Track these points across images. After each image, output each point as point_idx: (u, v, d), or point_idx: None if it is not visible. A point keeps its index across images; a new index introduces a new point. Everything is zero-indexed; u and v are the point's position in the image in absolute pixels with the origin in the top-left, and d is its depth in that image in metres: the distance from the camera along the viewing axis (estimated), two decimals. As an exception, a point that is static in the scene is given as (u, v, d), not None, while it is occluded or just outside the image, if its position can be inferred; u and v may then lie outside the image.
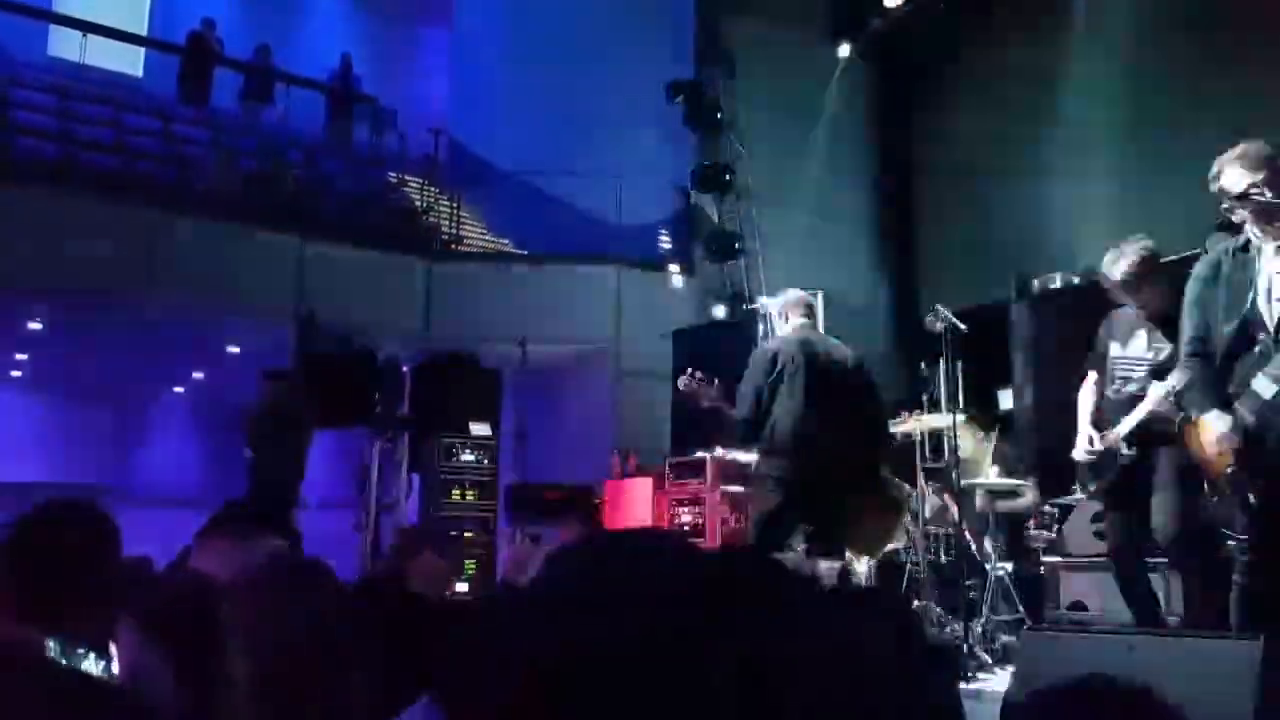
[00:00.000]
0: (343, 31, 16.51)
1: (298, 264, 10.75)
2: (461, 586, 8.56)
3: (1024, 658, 3.09)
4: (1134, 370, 4.39)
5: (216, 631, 1.51)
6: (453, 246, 12.68)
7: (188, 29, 13.99)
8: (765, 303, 6.20)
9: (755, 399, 5.11)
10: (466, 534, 9.23)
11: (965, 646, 4.77)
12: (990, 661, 4.89)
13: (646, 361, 11.17)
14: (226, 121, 13.45)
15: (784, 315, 5.48)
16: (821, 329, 5.62)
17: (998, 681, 4.35)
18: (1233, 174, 3.68)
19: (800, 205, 10.21)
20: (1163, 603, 4.73)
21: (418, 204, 13.54)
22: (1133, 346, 4.43)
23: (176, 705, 1.08)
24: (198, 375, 13.54)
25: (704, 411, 5.50)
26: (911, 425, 6.09)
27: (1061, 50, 9.45)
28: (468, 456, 10.11)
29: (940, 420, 6.02)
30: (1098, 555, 5.22)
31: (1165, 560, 4.61)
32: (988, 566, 5.67)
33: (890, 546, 6.19)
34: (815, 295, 5.72)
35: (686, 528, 8.06)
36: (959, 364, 6.50)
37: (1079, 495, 5.86)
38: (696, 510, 8.23)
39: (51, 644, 1.07)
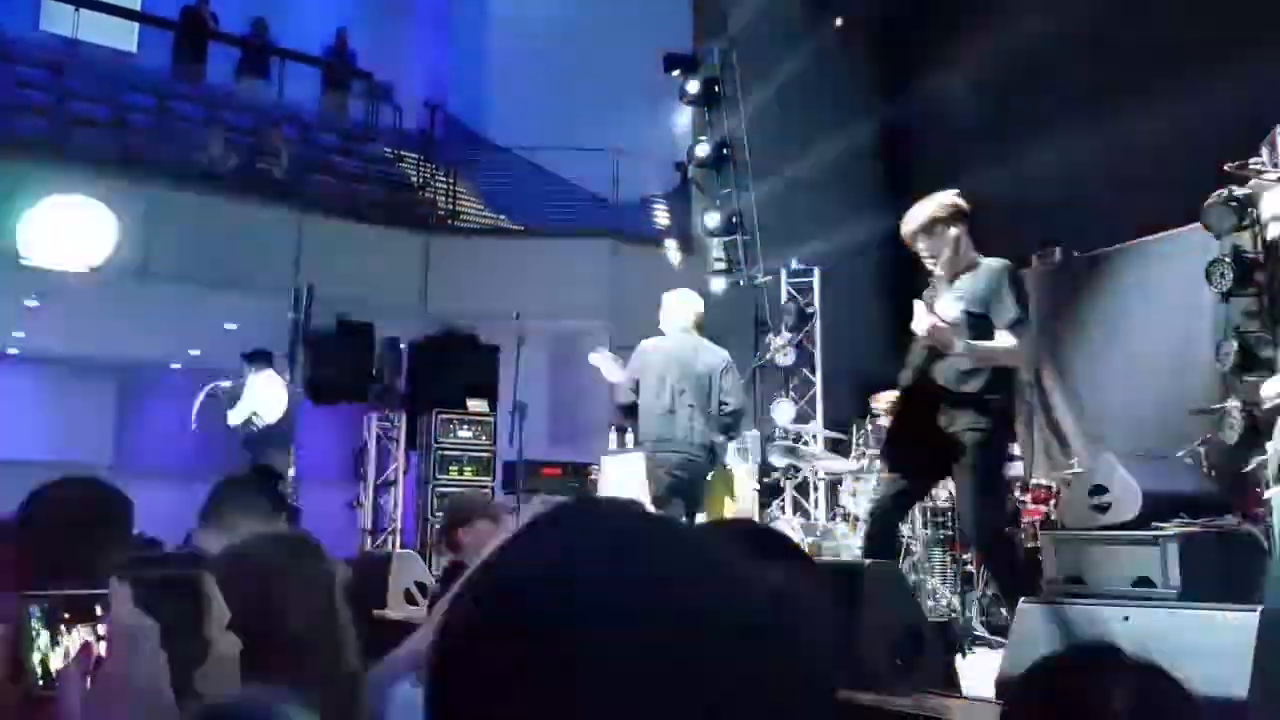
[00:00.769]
0: (338, 6, 16.39)
1: (294, 240, 10.72)
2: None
3: (1020, 629, 3.09)
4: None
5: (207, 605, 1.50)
6: (449, 222, 12.64)
7: (182, 3, 13.89)
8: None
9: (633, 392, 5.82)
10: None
11: (961, 619, 4.78)
12: (986, 634, 4.90)
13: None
14: (221, 97, 13.38)
15: (670, 316, 6.09)
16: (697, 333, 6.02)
17: (994, 654, 4.36)
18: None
19: (799, 179, 10.16)
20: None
21: (414, 179, 13.49)
22: (940, 307, 4.45)
23: (167, 676, 1.07)
24: (194, 352, 13.52)
25: None
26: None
27: (1062, 17, 9.39)
28: (465, 433, 10.12)
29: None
30: (1095, 528, 5.23)
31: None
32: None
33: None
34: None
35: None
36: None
37: (1077, 468, 5.86)
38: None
39: (35, 611, 1.06)
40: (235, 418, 9.04)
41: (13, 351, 13.19)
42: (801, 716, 0.64)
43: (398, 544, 10.12)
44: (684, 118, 11.94)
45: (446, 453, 10.01)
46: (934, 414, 4.20)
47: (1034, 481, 6.24)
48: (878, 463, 6.19)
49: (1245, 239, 5.40)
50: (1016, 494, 6.18)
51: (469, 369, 10.26)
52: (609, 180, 12.16)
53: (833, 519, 7.26)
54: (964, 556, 5.53)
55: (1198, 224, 5.50)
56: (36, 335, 12.55)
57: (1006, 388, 4.33)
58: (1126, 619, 2.78)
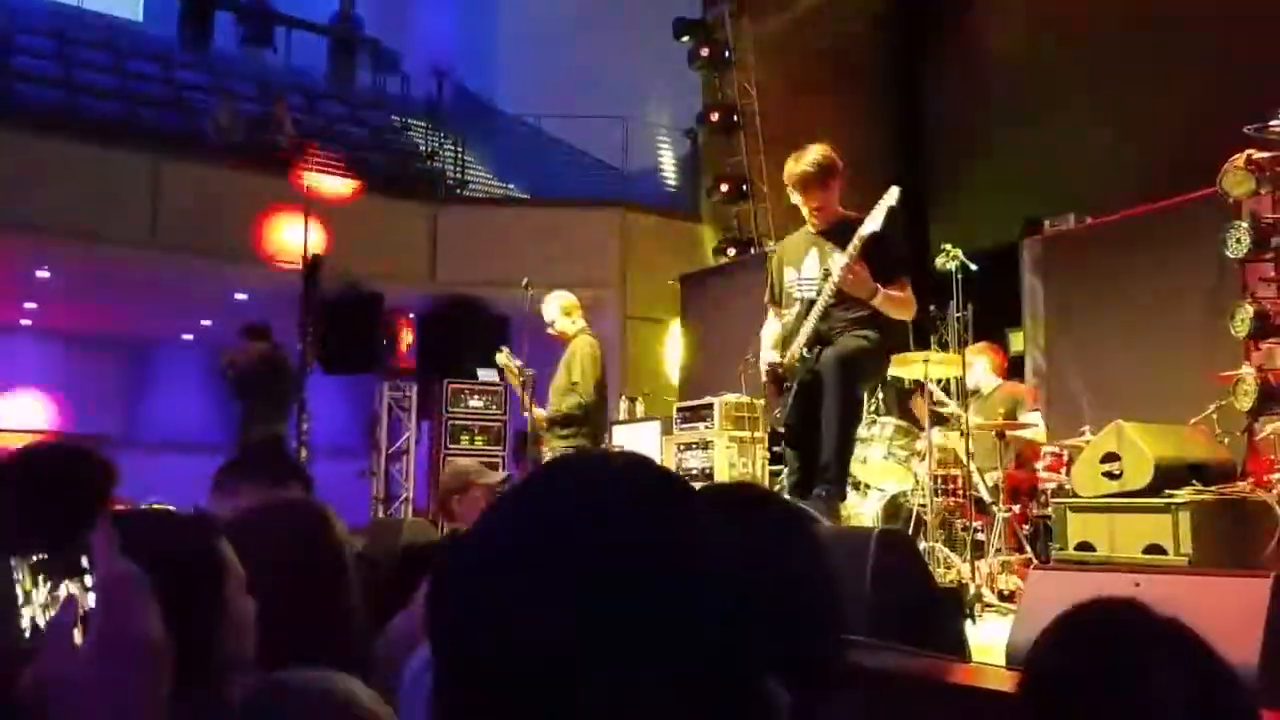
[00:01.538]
0: (345, -27, 16.30)
1: (302, 209, 10.69)
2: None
3: (1030, 596, 3.08)
4: (809, 290, 4.45)
5: (217, 568, 1.49)
6: (458, 191, 12.60)
7: (187, -29, 13.81)
8: (549, 298, 6.66)
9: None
10: (476, 479, 9.25)
11: (971, 587, 4.77)
12: (996, 602, 4.90)
13: (654, 305, 11.13)
14: (228, 66, 13.32)
15: (569, 314, 6.53)
16: None
17: (1004, 622, 4.35)
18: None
19: (808, 144, 10.09)
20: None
21: (422, 148, 13.44)
22: (806, 267, 4.48)
23: (159, 632, 1.05)
24: (206, 323, 13.55)
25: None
26: (918, 366, 6.04)
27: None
28: (476, 402, 10.12)
29: (949, 362, 5.99)
30: (1107, 496, 5.21)
31: None
32: (995, 508, 5.66)
33: (898, 488, 6.19)
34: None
35: (694, 472, 8.06)
36: (969, 305, 6.46)
37: (1088, 436, 5.83)
38: (704, 455, 8.22)
39: (14, 563, 1.05)
40: None
41: (25, 323, 13.23)
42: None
43: (409, 513, 10.16)
44: (695, 84, 11.85)
45: (457, 422, 10.01)
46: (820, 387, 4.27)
47: (1046, 449, 6.21)
48: (888, 429, 6.17)
49: (1262, 204, 5.34)
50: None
51: (479, 338, 10.25)
52: (618, 148, 12.09)
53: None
54: (975, 525, 5.52)
55: (1214, 189, 5.44)
56: (47, 307, 12.58)
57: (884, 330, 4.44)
58: (1138, 585, 2.76)
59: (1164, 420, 5.59)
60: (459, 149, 13.02)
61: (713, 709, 0.62)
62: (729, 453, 8.07)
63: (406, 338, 10.76)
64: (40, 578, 1.04)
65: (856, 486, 6.41)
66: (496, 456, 9.77)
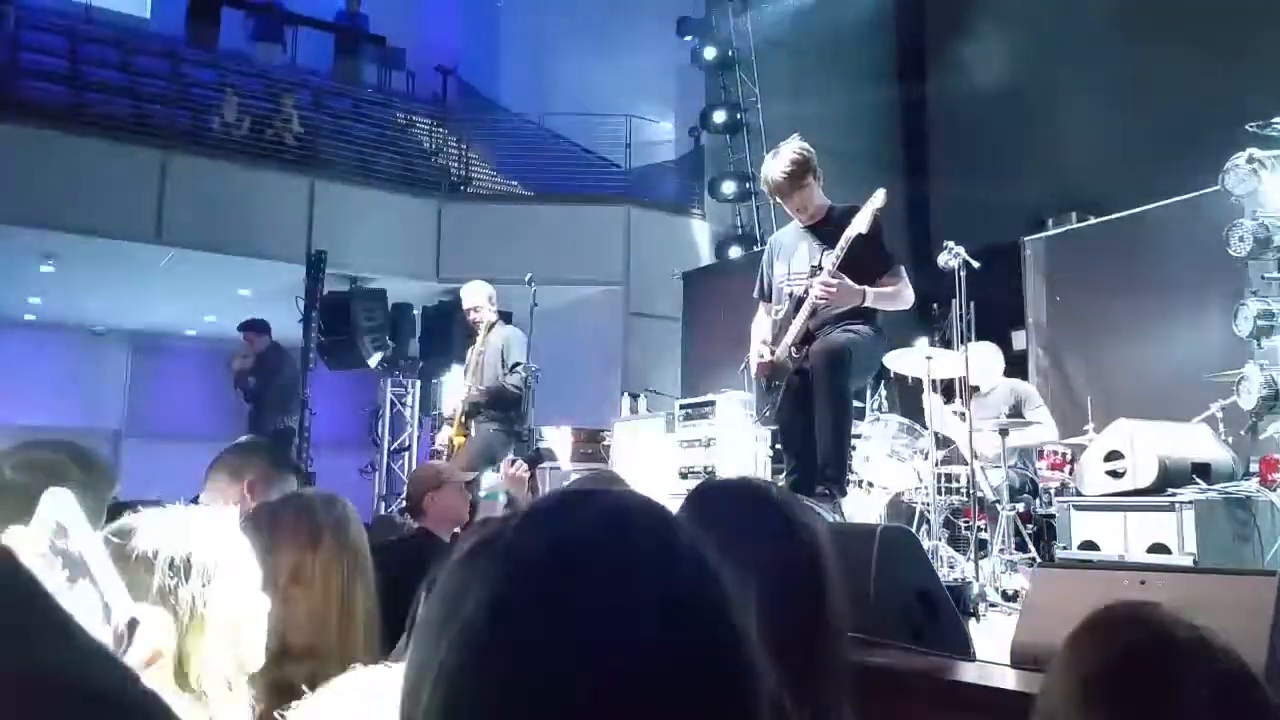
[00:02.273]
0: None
1: (307, 206, 10.71)
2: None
3: (1034, 595, 3.08)
4: (799, 285, 4.42)
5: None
6: (462, 188, 12.61)
7: (194, -32, 13.84)
8: (474, 285, 6.80)
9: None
10: (478, 475, 9.25)
11: (975, 586, 4.77)
12: (1000, 601, 4.89)
13: (657, 303, 11.14)
14: (235, 62, 13.33)
15: (491, 301, 6.71)
16: None
17: (1008, 621, 4.35)
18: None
19: (812, 143, 10.10)
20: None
21: (427, 145, 13.45)
22: (796, 262, 4.43)
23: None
24: (210, 318, 13.56)
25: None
26: (919, 362, 6.03)
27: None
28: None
29: (952, 359, 5.97)
30: (1111, 494, 5.21)
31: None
32: (999, 506, 5.66)
33: (901, 486, 6.18)
34: None
35: (696, 470, 8.05)
36: (972, 303, 6.45)
37: (1091, 435, 5.83)
38: (707, 452, 8.22)
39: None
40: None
41: (29, 317, 13.24)
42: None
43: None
44: (699, 82, 11.86)
45: (460, 418, 10.02)
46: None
47: (1049, 447, 6.21)
48: (891, 426, 6.17)
49: (1266, 202, 5.34)
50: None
51: (482, 335, 10.25)
52: (622, 145, 12.09)
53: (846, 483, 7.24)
54: (979, 524, 5.51)
55: (1217, 188, 5.44)
56: (51, 301, 12.60)
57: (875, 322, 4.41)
58: (1142, 584, 2.76)
59: (1168, 419, 5.59)
60: (463, 146, 13.03)
61: None
62: (731, 450, 8.07)
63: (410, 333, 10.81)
64: None
65: (860, 484, 6.41)
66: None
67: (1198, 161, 6.19)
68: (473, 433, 6.54)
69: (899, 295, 4.36)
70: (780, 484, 4.78)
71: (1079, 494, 5.49)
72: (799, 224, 4.55)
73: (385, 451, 11.05)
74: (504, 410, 6.56)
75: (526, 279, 7.27)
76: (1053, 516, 5.73)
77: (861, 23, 11.26)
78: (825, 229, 4.40)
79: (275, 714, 1.09)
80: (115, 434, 13.50)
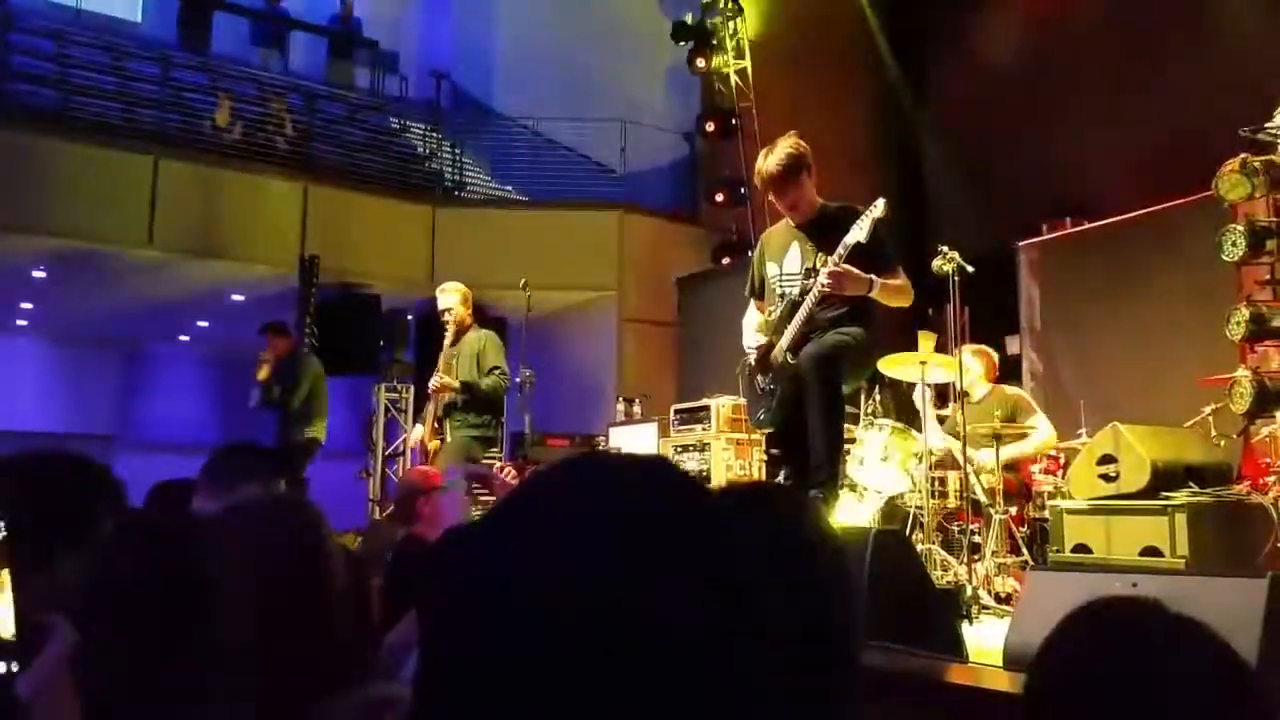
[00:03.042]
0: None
1: (300, 211, 10.70)
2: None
3: (1027, 597, 3.08)
4: (791, 285, 4.40)
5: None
6: (456, 193, 12.60)
7: (186, -29, 13.81)
8: (448, 286, 6.78)
9: None
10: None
11: (969, 589, 4.78)
12: (993, 604, 4.90)
13: (652, 308, 11.15)
14: (227, 66, 13.32)
15: (467, 304, 6.65)
16: None
17: (1001, 623, 4.36)
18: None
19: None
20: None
21: (420, 149, 13.44)
22: (788, 262, 4.43)
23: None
24: (203, 324, 13.54)
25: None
26: (914, 368, 6.04)
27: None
28: (472, 404, 10.10)
29: (947, 365, 5.98)
30: (1103, 498, 5.22)
31: None
32: (992, 510, 5.66)
33: (895, 490, 6.18)
34: None
35: (691, 475, 8.06)
36: (967, 308, 6.45)
37: (1084, 439, 5.84)
38: (701, 457, 8.23)
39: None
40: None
41: (20, 323, 13.21)
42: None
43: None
44: (692, 87, 11.87)
45: (454, 423, 10.00)
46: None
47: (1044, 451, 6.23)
48: (885, 430, 6.17)
49: (1258, 207, 5.35)
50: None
51: (476, 340, 10.24)
52: (616, 150, 12.10)
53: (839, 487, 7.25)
54: (971, 527, 5.52)
55: (1209, 192, 5.45)
56: (43, 307, 12.57)
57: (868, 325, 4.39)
58: (1135, 587, 2.77)
59: (1160, 423, 5.60)
60: (457, 151, 13.02)
61: None
62: (726, 455, 8.08)
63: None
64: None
65: (853, 488, 6.41)
66: (494, 459, 9.75)
67: (1191, 166, 6.21)
68: (448, 437, 6.51)
69: (901, 291, 4.35)
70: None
71: (1071, 497, 5.50)
72: (789, 223, 4.53)
73: (380, 457, 11.02)
74: (479, 414, 6.54)
75: (521, 284, 7.27)
76: (1045, 520, 5.74)
77: (857, 30, 11.28)
78: (817, 229, 4.38)
79: None
80: (107, 440, 13.46)
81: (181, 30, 13.64)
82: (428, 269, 11.26)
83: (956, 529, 5.75)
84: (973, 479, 5.67)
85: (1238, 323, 5.14)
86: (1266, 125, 5.04)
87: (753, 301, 4.70)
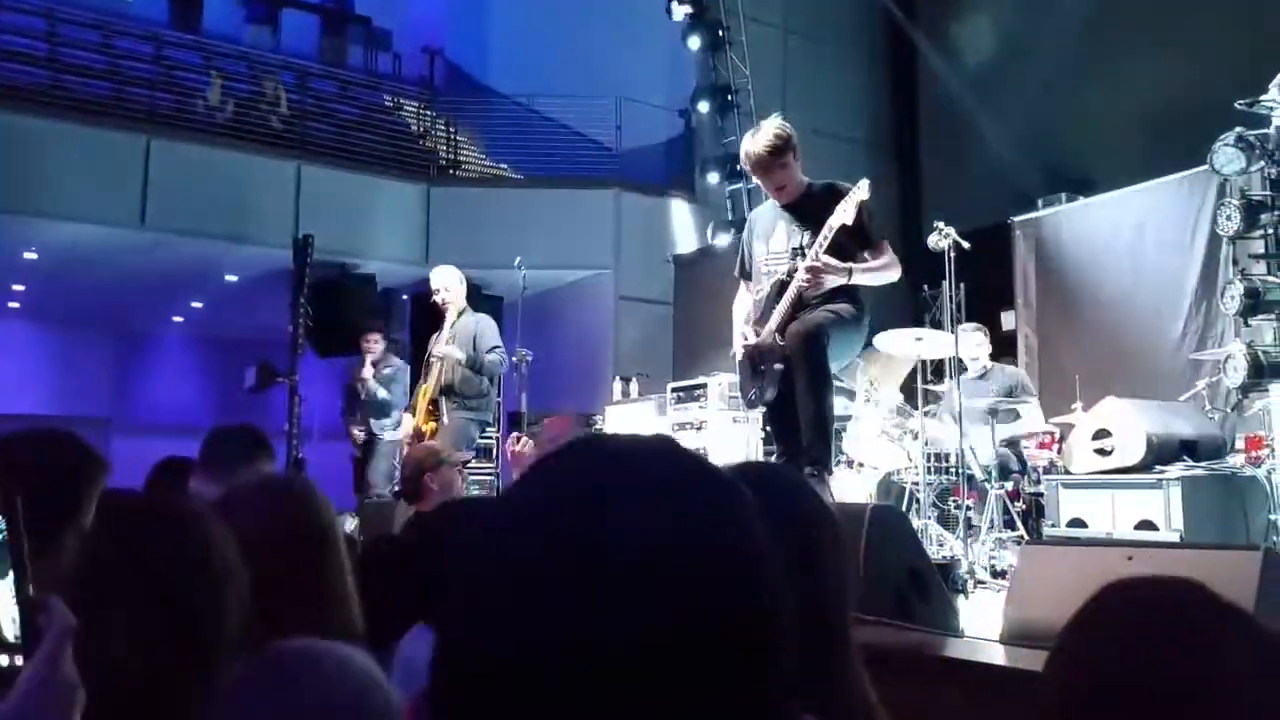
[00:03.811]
0: (335, -48, 16.19)
1: (294, 190, 10.65)
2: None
3: (1022, 571, 3.09)
4: (778, 265, 4.39)
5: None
6: (450, 171, 12.56)
7: (176, -50, 13.72)
8: (442, 269, 6.75)
9: None
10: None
11: (964, 563, 4.80)
12: (989, 578, 4.92)
13: (648, 286, 11.13)
14: (219, 45, 13.24)
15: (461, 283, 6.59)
16: None
17: (996, 598, 4.38)
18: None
19: (804, 125, 10.09)
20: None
21: (414, 127, 13.38)
22: (775, 242, 4.43)
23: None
24: (197, 304, 13.51)
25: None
26: (911, 347, 6.05)
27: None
28: (470, 383, 10.10)
29: (943, 341, 6.00)
30: (1098, 472, 5.23)
31: None
32: (988, 486, 5.68)
33: (891, 466, 6.21)
34: None
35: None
36: (962, 285, 6.45)
37: (1079, 414, 5.85)
38: (698, 435, 8.23)
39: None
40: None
41: (13, 305, 13.17)
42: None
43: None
44: (689, 62, 11.81)
45: (450, 403, 10.00)
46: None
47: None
48: (881, 407, 6.18)
49: (1253, 181, 5.36)
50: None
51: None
52: (612, 128, 12.05)
53: (836, 464, 7.26)
54: (967, 503, 5.54)
55: (1203, 167, 5.45)
56: (35, 289, 12.53)
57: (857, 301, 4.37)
58: (1130, 560, 2.78)
59: (1155, 397, 5.62)
60: (451, 129, 12.97)
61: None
62: (724, 433, 8.08)
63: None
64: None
65: (850, 464, 6.43)
66: (491, 438, 9.76)
67: (1186, 140, 6.20)
68: (445, 420, 6.49)
69: (886, 269, 4.32)
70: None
71: (1067, 472, 5.52)
72: (777, 202, 4.52)
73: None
74: (476, 397, 6.53)
75: (516, 263, 7.25)
76: (1041, 495, 5.76)
77: (853, 5, 11.24)
78: (803, 208, 4.37)
79: None
80: (103, 422, 13.45)
81: (172, 8, 13.55)
82: (422, 248, 11.23)
83: (953, 504, 5.77)
84: (969, 455, 5.68)
85: (1233, 297, 5.16)
86: (1262, 98, 5.04)
87: (743, 284, 4.69)
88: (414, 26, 15.25)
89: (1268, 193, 5.22)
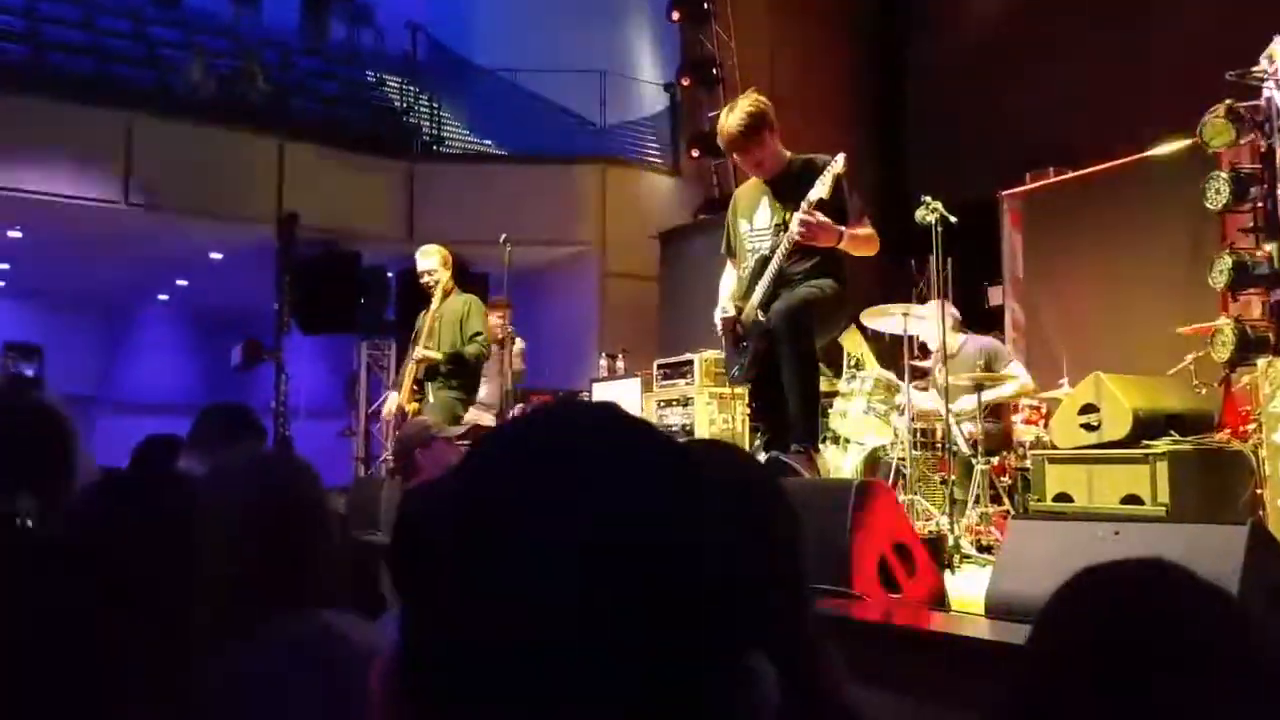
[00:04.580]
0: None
1: (277, 167, 10.56)
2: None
3: (1009, 546, 3.08)
4: (761, 241, 4.38)
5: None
6: (434, 148, 12.47)
7: (156, -75, 13.55)
8: (428, 249, 6.72)
9: None
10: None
11: (951, 539, 4.79)
12: (975, 553, 4.92)
13: (633, 262, 11.08)
14: (200, 21, 13.11)
15: (448, 266, 6.57)
16: None
17: (983, 573, 4.38)
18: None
19: (789, 99, 10.03)
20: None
21: (397, 104, 13.28)
22: (758, 218, 4.42)
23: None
24: (182, 282, 13.42)
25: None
26: (898, 322, 6.03)
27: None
28: (456, 360, 10.06)
29: (927, 315, 5.97)
30: (1085, 447, 5.23)
31: None
32: (974, 461, 5.68)
33: (878, 442, 6.20)
34: None
35: (675, 429, 8.05)
36: (949, 259, 6.43)
37: (1066, 388, 5.85)
38: (684, 411, 8.22)
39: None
40: None
41: (-2, 284, 13.10)
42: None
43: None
44: (673, 37, 11.73)
45: (437, 380, 9.97)
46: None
47: (1024, 401, 6.23)
48: (867, 383, 6.17)
49: (1242, 154, 5.33)
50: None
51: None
52: (597, 103, 11.98)
53: (822, 441, 7.25)
54: (953, 478, 5.54)
55: (1194, 139, 5.42)
56: (20, 267, 12.44)
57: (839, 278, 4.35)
58: (1116, 534, 2.77)
59: (1142, 372, 5.61)
60: (435, 105, 12.87)
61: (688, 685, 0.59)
62: (709, 409, 8.07)
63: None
64: None
65: (837, 441, 6.43)
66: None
67: (1175, 113, 6.17)
68: (430, 399, 6.48)
69: (870, 239, 4.32)
70: (759, 442, 4.77)
71: (1053, 447, 5.52)
72: (758, 179, 4.50)
73: (364, 415, 10.99)
74: (463, 378, 6.53)
75: (501, 239, 7.21)
76: (1027, 469, 5.76)
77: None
78: (784, 183, 4.35)
79: None
80: (86, 401, 13.38)
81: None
82: (406, 225, 11.18)
83: (939, 479, 5.76)
84: (954, 429, 5.67)
85: (1220, 271, 5.13)
86: (1252, 69, 5.00)
87: (729, 261, 4.67)
88: (397, 1, 15.11)
89: (1257, 165, 5.20)
